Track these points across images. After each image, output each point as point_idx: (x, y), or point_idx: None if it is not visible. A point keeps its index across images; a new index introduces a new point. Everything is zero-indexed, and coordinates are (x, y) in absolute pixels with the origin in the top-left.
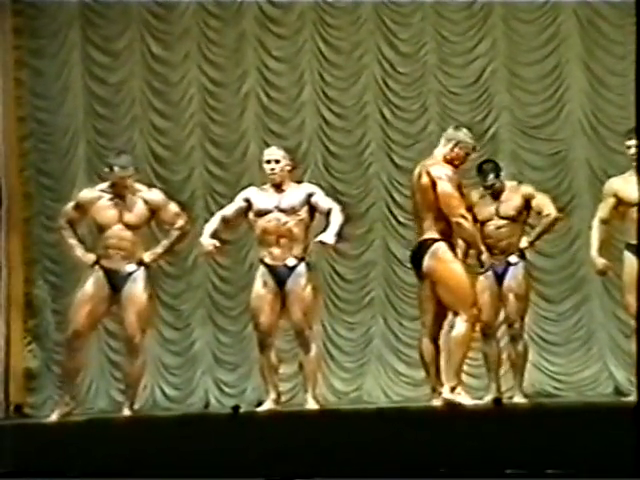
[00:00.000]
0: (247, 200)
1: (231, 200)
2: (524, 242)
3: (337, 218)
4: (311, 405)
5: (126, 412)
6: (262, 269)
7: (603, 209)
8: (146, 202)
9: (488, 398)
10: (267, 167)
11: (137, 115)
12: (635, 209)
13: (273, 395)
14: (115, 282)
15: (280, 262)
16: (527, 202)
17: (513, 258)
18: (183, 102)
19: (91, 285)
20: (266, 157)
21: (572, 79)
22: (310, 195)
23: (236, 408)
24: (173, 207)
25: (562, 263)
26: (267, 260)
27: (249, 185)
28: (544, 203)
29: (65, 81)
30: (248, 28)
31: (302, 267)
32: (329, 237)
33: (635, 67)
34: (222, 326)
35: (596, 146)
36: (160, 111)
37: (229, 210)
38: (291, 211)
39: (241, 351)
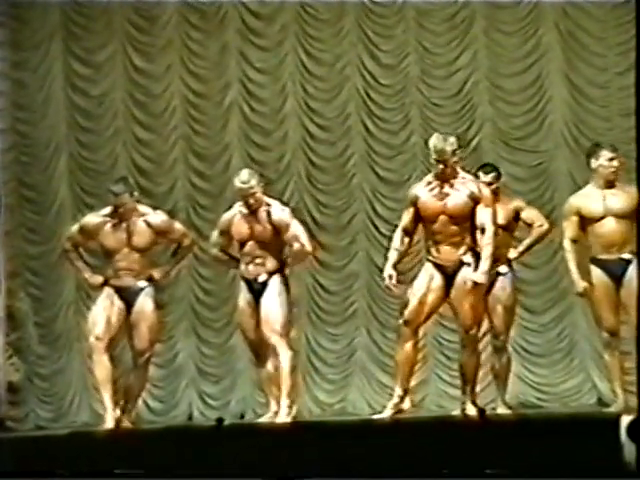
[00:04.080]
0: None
1: (213, 212)
2: (513, 252)
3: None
4: (282, 417)
5: (127, 424)
6: (242, 284)
7: (569, 229)
8: (150, 225)
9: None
10: (241, 197)
11: (120, 127)
12: (598, 224)
13: (274, 407)
14: (127, 297)
15: (254, 277)
16: (516, 214)
17: (503, 268)
18: (166, 114)
19: (104, 299)
20: (241, 192)
21: (554, 91)
22: (284, 226)
23: (220, 420)
24: (178, 227)
25: (545, 274)
26: (245, 275)
27: (232, 197)
28: (536, 214)
29: (47, 93)
30: (230, 40)
31: (273, 281)
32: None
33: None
34: (205, 338)
35: (578, 158)
36: (143, 123)
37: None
38: (264, 239)
39: (225, 363)
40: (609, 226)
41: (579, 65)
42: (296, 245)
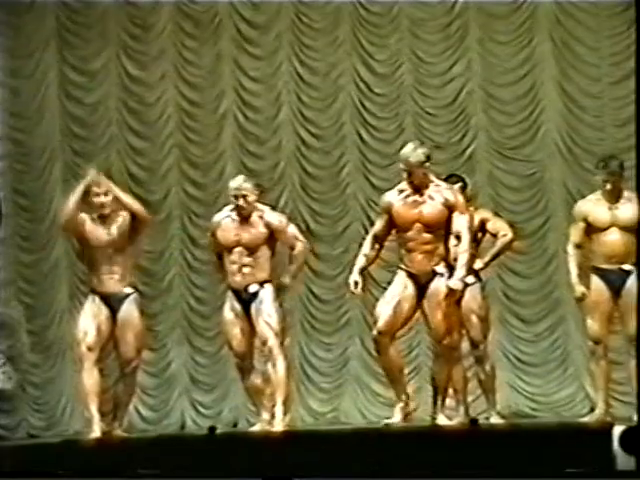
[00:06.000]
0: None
1: (207, 220)
2: (479, 263)
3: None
4: (276, 425)
5: (118, 432)
6: (229, 294)
7: (575, 234)
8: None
9: (458, 420)
10: (233, 200)
11: (114, 135)
12: (603, 233)
13: (266, 416)
14: (111, 304)
15: (243, 287)
16: (482, 225)
17: (470, 278)
18: (160, 122)
19: (89, 308)
20: (233, 192)
21: (548, 101)
22: (274, 231)
23: (212, 429)
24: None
25: (538, 284)
26: (232, 285)
27: (225, 206)
28: (500, 225)
29: (41, 101)
30: (225, 48)
31: (264, 292)
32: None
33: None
34: (198, 347)
35: (572, 167)
36: (137, 131)
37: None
38: (254, 246)
39: (217, 372)
40: (613, 237)
41: (573, 75)
42: (299, 245)
